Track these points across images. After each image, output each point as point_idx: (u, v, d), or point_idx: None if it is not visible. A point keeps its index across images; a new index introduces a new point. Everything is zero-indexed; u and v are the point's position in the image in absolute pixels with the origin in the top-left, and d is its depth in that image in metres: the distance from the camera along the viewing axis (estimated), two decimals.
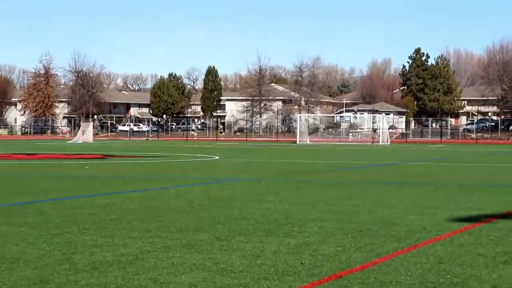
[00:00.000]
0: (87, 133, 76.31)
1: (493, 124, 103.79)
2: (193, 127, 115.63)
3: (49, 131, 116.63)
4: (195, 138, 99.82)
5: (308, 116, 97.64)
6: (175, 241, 10.19)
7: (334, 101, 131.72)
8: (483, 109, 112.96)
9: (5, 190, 18.48)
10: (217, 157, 39.73)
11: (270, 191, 18.51)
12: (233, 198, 16.67)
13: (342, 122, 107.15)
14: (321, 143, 77.43)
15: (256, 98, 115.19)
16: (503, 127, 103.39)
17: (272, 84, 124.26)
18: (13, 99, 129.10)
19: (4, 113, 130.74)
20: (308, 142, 76.74)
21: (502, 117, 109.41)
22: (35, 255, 9.13)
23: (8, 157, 38.14)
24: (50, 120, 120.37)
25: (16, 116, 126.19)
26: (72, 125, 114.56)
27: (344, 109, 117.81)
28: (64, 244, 9.93)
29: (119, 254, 9.21)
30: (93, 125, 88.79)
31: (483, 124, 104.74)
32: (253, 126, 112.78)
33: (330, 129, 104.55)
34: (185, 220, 12.51)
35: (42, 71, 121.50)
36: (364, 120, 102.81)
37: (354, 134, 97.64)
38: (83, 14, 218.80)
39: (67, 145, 63.15)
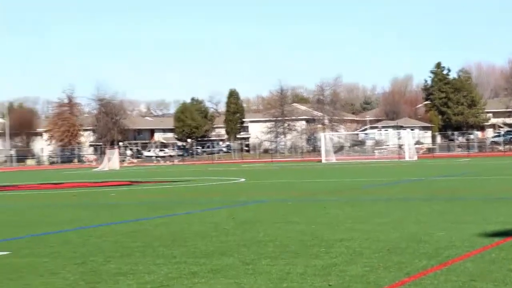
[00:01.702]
0: (113, 160, 76.61)
1: None
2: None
3: (76, 160, 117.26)
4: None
5: (333, 135, 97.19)
6: (201, 267, 10.06)
7: (357, 119, 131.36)
8: (508, 120, 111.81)
9: (30, 220, 18.50)
10: (243, 179, 39.61)
11: (296, 212, 18.34)
12: (259, 220, 16.52)
13: (367, 139, 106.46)
14: (347, 161, 77.02)
15: (279, 118, 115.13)
16: None
17: (294, 104, 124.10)
18: (38, 130, 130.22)
19: (30, 143, 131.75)
20: (334, 161, 76.37)
21: None
22: (59, 285, 9.05)
23: (35, 187, 38.31)
24: (76, 149, 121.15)
25: (43, 146, 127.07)
26: (98, 152, 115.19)
27: (368, 126, 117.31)
28: (88, 273, 9.84)
29: (144, 281, 9.09)
30: (119, 151, 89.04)
31: (510, 136, 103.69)
32: (278, 147, 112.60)
33: (356, 147, 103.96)
34: (211, 244, 12.39)
35: (66, 101, 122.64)
36: (389, 136, 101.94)
37: (380, 151, 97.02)
38: (103, 42, 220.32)
39: (94, 173, 63.40)
